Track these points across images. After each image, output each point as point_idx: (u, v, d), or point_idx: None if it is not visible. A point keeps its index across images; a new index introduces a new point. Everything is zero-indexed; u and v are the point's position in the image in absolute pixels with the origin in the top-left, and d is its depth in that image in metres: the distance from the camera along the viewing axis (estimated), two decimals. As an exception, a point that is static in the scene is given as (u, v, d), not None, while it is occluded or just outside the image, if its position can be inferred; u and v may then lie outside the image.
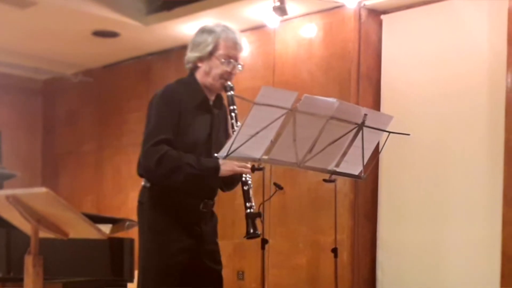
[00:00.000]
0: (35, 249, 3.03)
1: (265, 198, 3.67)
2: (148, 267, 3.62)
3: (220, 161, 3.53)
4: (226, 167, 3.53)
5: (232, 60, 3.65)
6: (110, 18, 6.84)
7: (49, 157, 8.95)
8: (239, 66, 3.69)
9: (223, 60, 3.63)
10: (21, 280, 3.12)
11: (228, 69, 3.65)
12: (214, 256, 3.75)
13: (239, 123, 3.62)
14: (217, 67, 3.64)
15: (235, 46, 3.66)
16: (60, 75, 8.61)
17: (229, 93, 3.68)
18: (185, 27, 6.92)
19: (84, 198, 8.36)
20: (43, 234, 3.10)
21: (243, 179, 3.59)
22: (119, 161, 8.05)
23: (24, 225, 3.10)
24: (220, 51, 3.64)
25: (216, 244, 3.78)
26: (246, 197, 3.57)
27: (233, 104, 3.67)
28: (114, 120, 8.20)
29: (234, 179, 3.69)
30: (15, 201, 2.95)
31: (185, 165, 3.49)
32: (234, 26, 6.51)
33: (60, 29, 7.15)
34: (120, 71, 8.22)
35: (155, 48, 7.68)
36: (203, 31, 3.71)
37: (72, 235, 3.17)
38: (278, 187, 3.69)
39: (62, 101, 8.83)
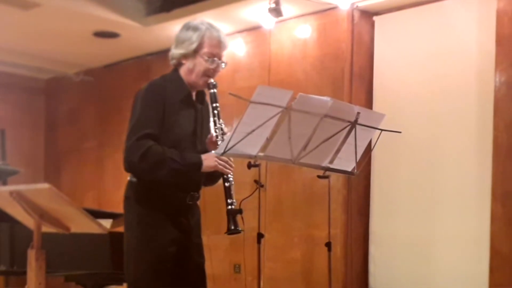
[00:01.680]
0: (37, 243, 3.07)
1: (247, 196, 3.70)
2: (140, 261, 3.57)
3: (203, 157, 3.52)
4: (209, 163, 3.50)
5: (215, 59, 3.63)
6: (111, 19, 6.84)
7: (51, 154, 8.95)
8: (223, 64, 3.67)
9: (207, 58, 3.61)
10: (24, 273, 3.17)
11: (212, 67, 3.62)
12: (199, 249, 3.75)
13: (221, 121, 3.62)
14: (201, 65, 3.62)
15: (219, 44, 3.64)
16: (62, 75, 8.62)
17: (212, 91, 3.66)
18: (183, 28, 7.05)
19: (86, 194, 8.36)
20: (46, 228, 3.13)
21: (224, 176, 3.56)
22: (119, 158, 7.66)
23: (27, 220, 3.14)
24: (205, 49, 3.61)
25: (200, 237, 3.77)
26: (227, 194, 3.54)
27: (216, 101, 3.64)
28: (115, 118, 8.16)
29: (215, 176, 3.66)
30: (19, 197, 2.99)
31: (169, 159, 3.46)
32: (231, 27, 6.67)
33: (62, 30, 7.15)
34: (120, 71, 8.22)
35: (154, 48, 7.64)
36: (188, 28, 3.67)
37: (74, 229, 3.20)
38: (259, 184, 3.75)
39: (64, 99, 8.82)
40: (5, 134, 7.24)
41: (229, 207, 3.54)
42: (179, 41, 3.68)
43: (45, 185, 2.91)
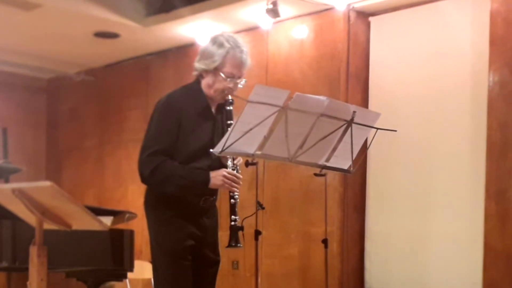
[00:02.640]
0: (39, 240, 3.08)
1: (248, 214, 3.71)
2: (159, 257, 3.74)
3: (211, 174, 3.63)
4: (216, 181, 3.63)
5: (235, 79, 3.70)
6: (111, 20, 6.85)
7: (53, 152, 8.97)
8: (242, 81, 3.72)
9: (226, 77, 3.68)
10: (26, 269, 3.17)
11: (230, 85, 3.69)
12: (215, 248, 3.84)
13: None
14: (220, 83, 3.69)
15: (240, 65, 3.70)
16: (64, 74, 8.64)
17: (228, 108, 3.73)
18: (182, 29, 6.98)
19: (86, 191, 8.38)
20: (47, 225, 3.15)
21: (231, 193, 3.67)
22: (119, 156, 8.05)
23: (29, 217, 3.15)
24: (225, 69, 3.67)
25: (217, 236, 3.87)
26: (232, 210, 3.66)
27: (230, 119, 3.71)
28: (115, 117, 8.22)
29: None
30: (21, 194, 3.00)
31: (177, 177, 3.60)
32: (229, 27, 6.69)
33: (63, 31, 7.16)
34: (120, 71, 8.23)
35: (153, 48, 7.70)
36: (214, 42, 3.73)
37: (75, 226, 3.21)
38: (260, 206, 3.84)
39: (65, 99, 8.84)
40: (7, 133, 7.25)
41: (232, 223, 3.67)
42: (203, 56, 3.75)
43: (47, 183, 2.91)
